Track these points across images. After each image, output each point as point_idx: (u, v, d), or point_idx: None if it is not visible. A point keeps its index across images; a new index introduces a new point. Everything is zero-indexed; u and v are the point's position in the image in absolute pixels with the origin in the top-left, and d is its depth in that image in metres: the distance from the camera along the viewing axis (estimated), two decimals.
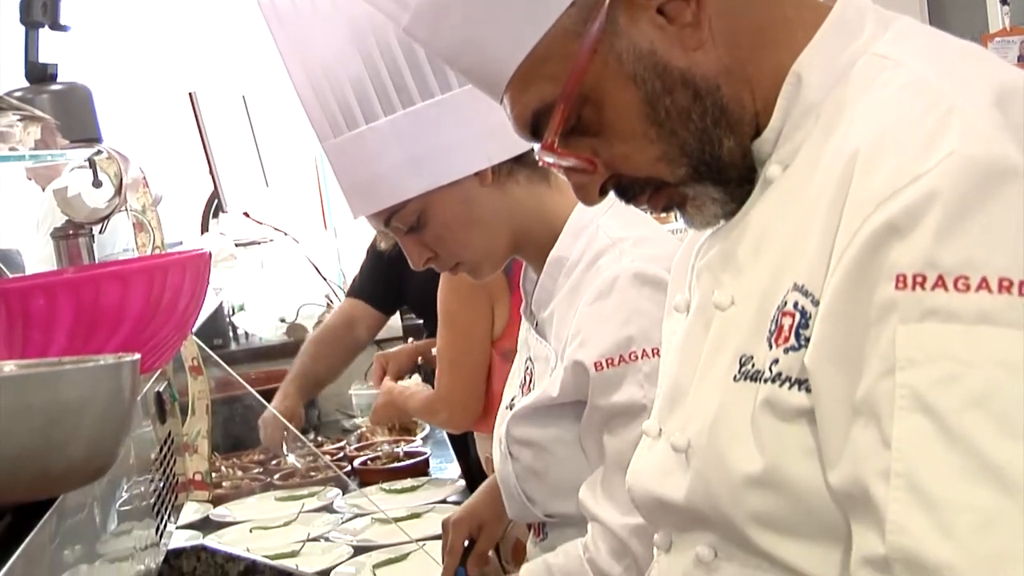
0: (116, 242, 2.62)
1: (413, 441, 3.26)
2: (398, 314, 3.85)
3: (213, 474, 2.93)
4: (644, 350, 1.54)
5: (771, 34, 1.05)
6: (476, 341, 2.50)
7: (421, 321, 3.54)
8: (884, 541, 0.87)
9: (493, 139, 1.60)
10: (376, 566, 2.34)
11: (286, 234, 4.42)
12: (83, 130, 1.84)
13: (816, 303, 0.95)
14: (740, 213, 1.08)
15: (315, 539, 2.57)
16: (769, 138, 1.06)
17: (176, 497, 1.64)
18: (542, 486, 1.69)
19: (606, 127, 1.07)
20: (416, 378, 2.99)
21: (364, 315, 3.35)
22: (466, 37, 1.10)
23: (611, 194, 1.13)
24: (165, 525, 1.55)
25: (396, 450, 3.17)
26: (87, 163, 1.56)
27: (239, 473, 3.18)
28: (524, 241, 1.69)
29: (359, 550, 2.44)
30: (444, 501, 2.76)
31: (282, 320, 4.23)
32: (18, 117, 1.46)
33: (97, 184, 1.59)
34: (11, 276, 1.54)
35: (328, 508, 2.80)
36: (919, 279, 0.88)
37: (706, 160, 1.06)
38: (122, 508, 1.27)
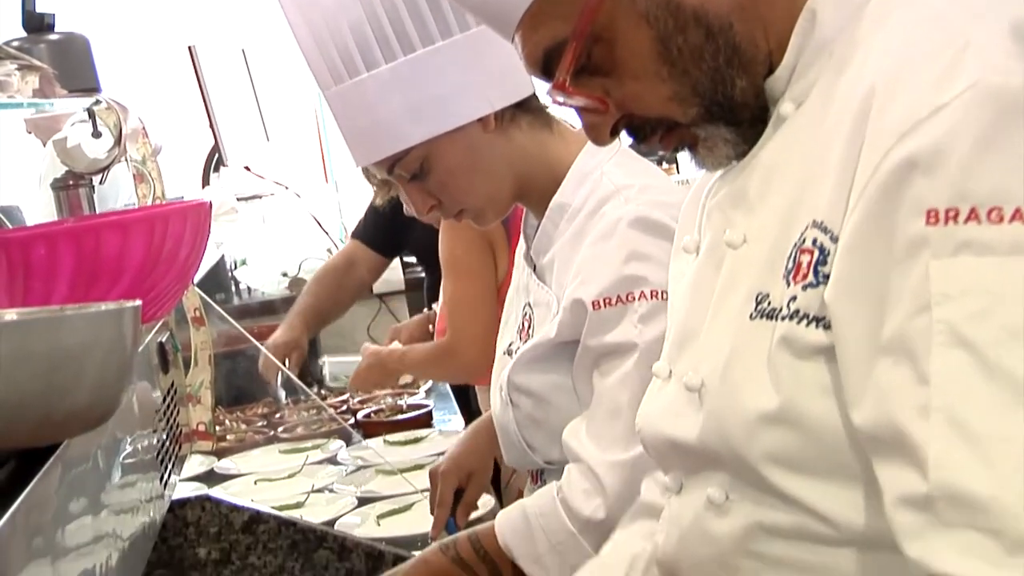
0: (118, 197, 2.61)
1: (416, 394, 3.27)
2: (400, 267, 3.85)
3: (217, 427, 2.94)
4: (643, 292, 1.55)
5: None
6: (484, 285, 2.50)
7: (422, 271, 3.53)
8: (927, 478, 0.85)
9: (495, 85, 1.60)
10: (380, 516, 2.34)
11: (287, 188, 4.41)
12: (81, 80, 1.83)
13: (835, 239, 0.94)
14: (752, 152, 1.08)
15: (319, 490, 2.58)
16: (782, 76, 1.05)
17: (180, 447, 1.64)
18: (542, 433, 1.70)
19: (618, 66, 1.06)
20: (395, 344, 2.97)
21: (365, 257, 3.39)
22: None
23: (616, 142, 1.12)
24: (169, 475, 1.55)
25: (399, 403, 3.17)
26: (86, 113, 1.55)
27: (243, 426, 3.19)
28: (527, 187, 1.68)
29: (363, 501, 2.45)
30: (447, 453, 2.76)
31: (284, 274, 4.22)
32: (16, 66, 1.45)
33: (96, 134, 1.58)
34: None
35: (332, 460, 2.81)
36: (951, 213, 0.87)
37: (718, 100, 1.05)
38: (126, 458, 1.27)
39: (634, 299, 1.55)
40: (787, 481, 0.99)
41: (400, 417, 3.07)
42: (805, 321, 0.97)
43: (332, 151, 4.90)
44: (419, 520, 2.29)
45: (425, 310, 3.17)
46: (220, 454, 2.92)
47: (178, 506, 1.85)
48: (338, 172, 4.95)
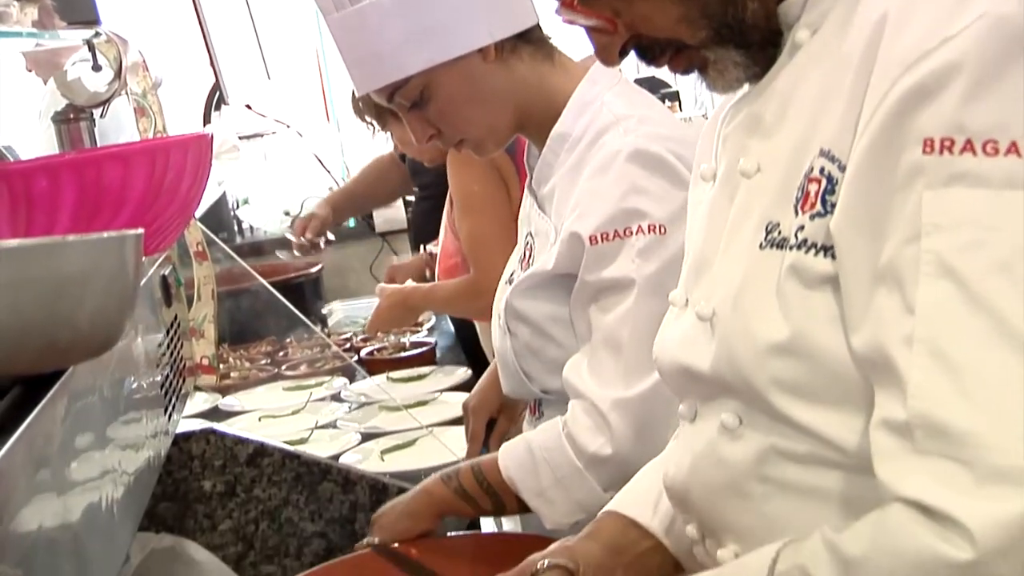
0: (120, 134, 2.60)
1: (419, 331, 3.28)
2: (402, 204, 3.86)
3: (221, 365, 2.96)
4: (640, 226, 1.55)
5: None
6: (502, 220, 2.49)
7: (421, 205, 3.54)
8: (905, 406, 0.87)
9: (496, 15, 1.59)
10: (384, 452, 2.36)
11: (288, 127, 4.39)
12: (80, 12, 1.81)
13: (843, 168, 0.95)
14: (767, 78, 1.07)
15: (323, 427, 2.59)
16: (797, 2, 1.04)
17: (183, 381, 1.65)
18: (539, 363, 1.70)
19: None
20: (410, 283, 2.98)
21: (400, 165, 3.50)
22: None
23: (617, 71, 1.12)
24: (173, 408, 1.56)
25: (402, 340, 3.18)
26: (85, 45, 1.54)
27: (247, 364, 3.20)
28: (527, 118, 1.68)
29: (367, 436, 2.47)
30: (450, 389, 2.77)
31: (286, 213, 4.22)
32: None
33: (96, 67, 1.57)
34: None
35: (335, 397, 2.83)
36: (947, 143, 0.87)
37: (728, 23, 1.04)
38: (130, 391, 1.28)
39: (631, 233, 1.55)
40: (797, 409, 1.00)
41: (403, 355, 3.09)
42: (813, 250, 0.97)
43: (334, 90, 4.88)
44: (422, 455, 2.31)
45: (422, 249, 3.17)
46: (224, 391, 2.94)
47: (183, 439, 1.86)
48: (340, 111, 4.93)
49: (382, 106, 1.82)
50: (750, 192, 1.06)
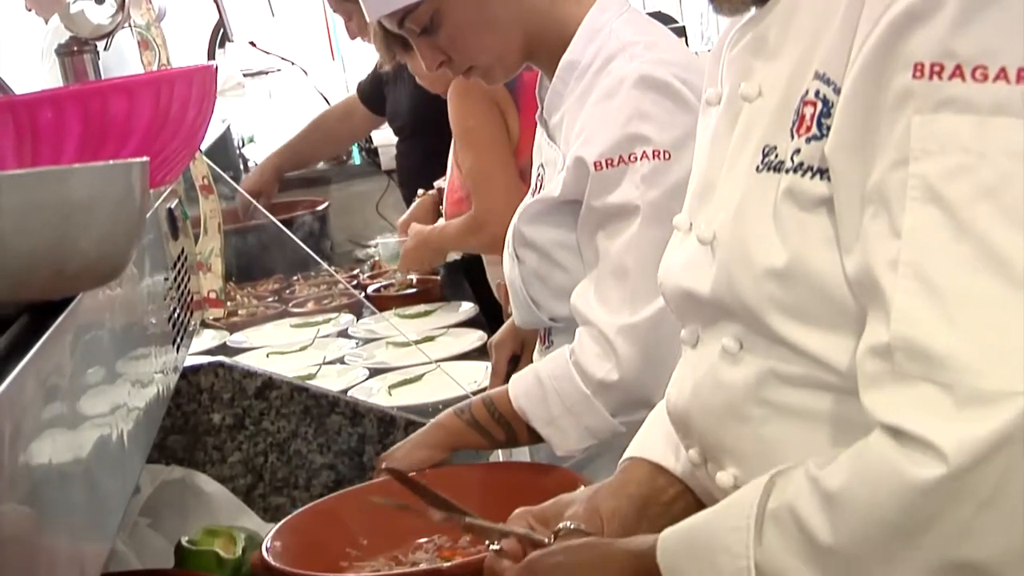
0: (124, 70, 2.60)
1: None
2: (394, 147, 3.87)
3: (229, 303, 2.97)
4: (644, 152, 1.55)
5: None
6: (502, 154, 2.49)
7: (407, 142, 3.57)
8: (888, 329, 0.87)
9: None
10: (391, 387, 2.37)
11: (293, 64, 4.37)
12: None
13: (838, 91, 0.95)
14: (772, 1, 1.07)
15: (331, 362, 2.60)
16: None
17: (191, 315, 1.66)
18: (546, 290, 1.71)
19: None
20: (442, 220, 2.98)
21: (360, 112, 3.61)
22: None
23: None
24: (181, 341, 1.57)
25: (409, 277, 3.19)
26: None
27: (254, 302, 3.21)
28: (537, 46, 1.67)
29: (374, 372, 2.48)
30: (457, 325, 2.78)
31: None
32: None
33: (99, 0, 1.56)
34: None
35: (343, 333, 2.84)
36: (936, 68, 0.87)
37: None
38: (138, 324, 1.28)
39: (636, 159, 1.55)
40: (795, 332, 1.01)
41: (409, 291, 3.09)
42: (809, 174, 0.98)
43: (338, 27, 4.85)
44: (430, 390, 2.32)
45: (420, 192, 3.17)
46: (232, 329, 2.95)
47: (191, 372, 1.87)
48: (344, 49, 4.90)
49: (392, 36, 1.82)
50: (751, 116, 1.06)
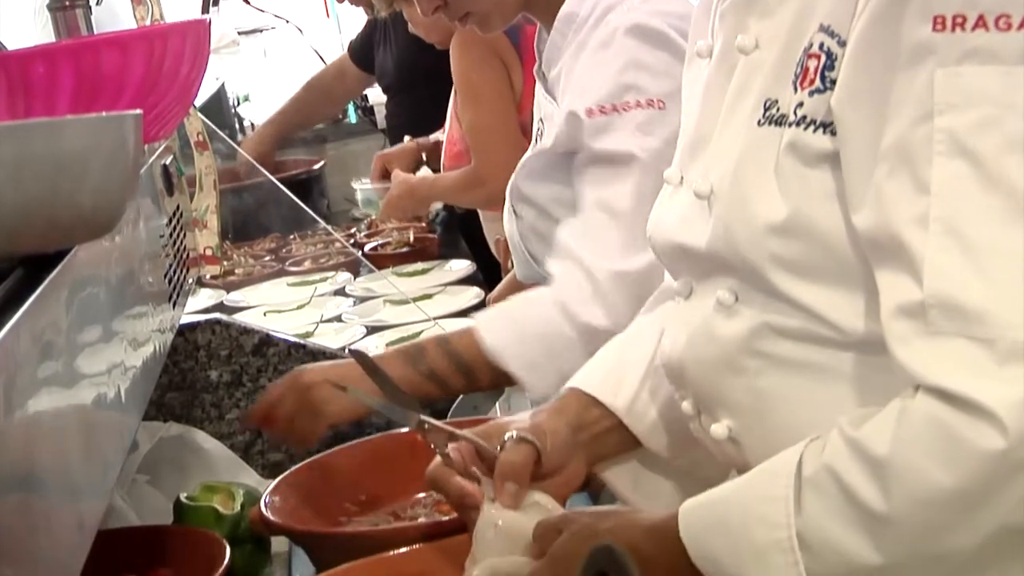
0: (117, 27, 2.58)
1: (422, 226, 3.27)
2: (384, 105, 3.89)
3: (225, 262, 2.96)
4: (638, 100, 1.53)
5: None
6: (505, 109, 2.48)
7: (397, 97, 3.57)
8: (922, 287, 0.86)
9: None
10: (389, 344, 2.37)
11: (288, 22, 4.35)
12: None
13: (843, 44, 0.94)
14: None
15: (328, 321, 2.60)
16: None
17: (187, 271, 1.65)
18: (543, 244, 1.70)
19: None
20: (425, 169, 2.98)
21: (352, 71, 3.63)
22: None
23: None
24: (178, 298, 1.57)
25: (406, 235, 3.18)
26: None
27: (251, 261, 3.20)
28: None
29: (372, 330, 2.48)
30: (454, 282, 2.78)
31: None
32: None
33: None
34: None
35: (340, 292, 2.83)
36: (959, 19, 0.85)
37: None
38: (134, 280, 1.28)
39: (630, 107, 1.54)
40: (793, 286, 1.00)
41: (407, 249, 3.09)
42: (812, 127, 0.97)
43: None
44: None
45: (407, 138, 3.19)
46: (229, 288, 2.95)
47: (189, 330, 1.87)
48: (339, 7, 4.87)
49: None
50: (748, 69, 1.05)
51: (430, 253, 3.07)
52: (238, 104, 4.35)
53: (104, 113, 0.93)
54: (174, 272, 1.54)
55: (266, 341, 1.91)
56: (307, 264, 3.10)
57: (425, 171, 2.97)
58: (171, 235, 1.56)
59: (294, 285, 2.94)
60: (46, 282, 0.86)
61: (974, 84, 0.85)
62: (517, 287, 2.00)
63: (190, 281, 1.70)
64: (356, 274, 2.96)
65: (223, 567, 1.38)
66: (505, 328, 1.62)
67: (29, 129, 0.83)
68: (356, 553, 1.31)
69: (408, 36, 3.03)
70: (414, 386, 1.59)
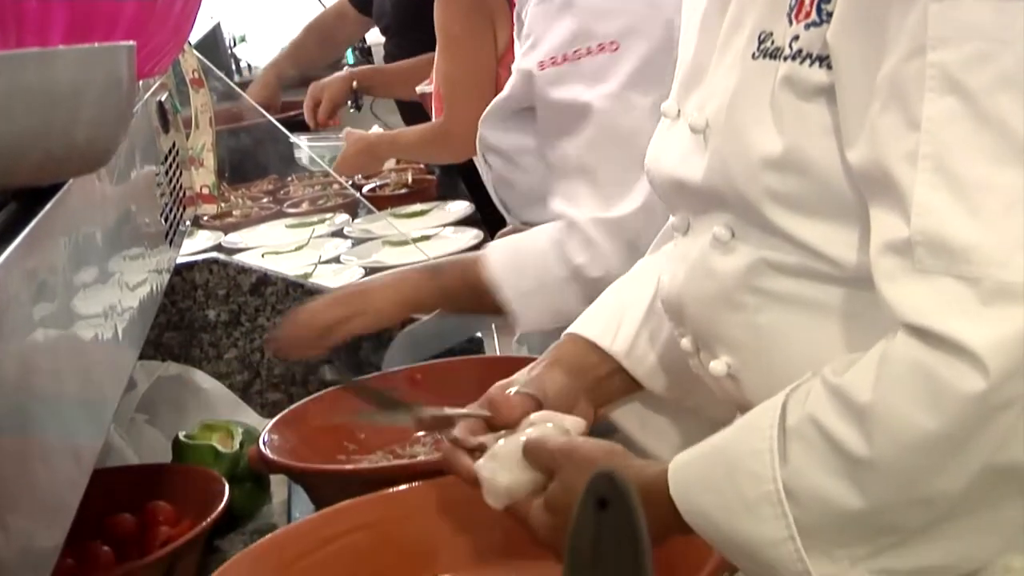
0: None
1: (420, 167, 3.26)
2: (382, 47, 3.86)
3: (223, 204, 2.95)
4: (588, 47, 1.52)
5: None
6: (482, 65, 2.44)
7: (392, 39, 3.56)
8: (909, 224, 0.85)
9: None
10: None
11: None
12: None
13: None
14: None
15: (326, 262, 2.59)
16: None
17: (184, 210, 1.64)
18: (514, 193, 1.71)
19: None
20: (376, 128, 2.97)
21: (352, 13, 3.61)
22: None
23: None
24: (175, 236, 1.56)
25: (404, 176, 3.17)
26: None
27: (248, 202, 3.19)
28: None
29: (370, 271, 2.47)
30: (452, 224, 2.77)
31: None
32: None
33: None
34: None
35: (338, 233, 2.82)
36: None
37: None
38: (130, 218, 1.27)
39: (580, 56, 1.52)
40: (789, 221, 0.99)
41: (405, 191, 3.08)
42: (808, 61, 0.96)
43: None
44: None
45: (346, 67, 3.20)
46: (226, 229, 2.94)
47: (186, 269, 1.86)
48: None
49: None
50: (742, 1, 1.03)
51: (429, 194, 3.06)
52: (234, 44, 4.32)
53: (96, 44, 0.91)
54: (171, 211, 1.53)
55: (264, 280, 1.91)
56: (305, 206, 3.09)
57: (376, 129, 2.96)
58: (167, 173, 1.55)
59: (292, 227, 2.93)
60: (40, 215, 0.86)
61: (967, 18, 0.84)
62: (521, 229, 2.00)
63: (187, 220, 1.69)
64: (354, 215, 2.95)
65: (222, 505, 1.39)
66: (507, 255, 1.64)
67: (20, 60, 0.82)
68: (355, 490, 1.31)
69: None
70: (432, 297, 1.67)
